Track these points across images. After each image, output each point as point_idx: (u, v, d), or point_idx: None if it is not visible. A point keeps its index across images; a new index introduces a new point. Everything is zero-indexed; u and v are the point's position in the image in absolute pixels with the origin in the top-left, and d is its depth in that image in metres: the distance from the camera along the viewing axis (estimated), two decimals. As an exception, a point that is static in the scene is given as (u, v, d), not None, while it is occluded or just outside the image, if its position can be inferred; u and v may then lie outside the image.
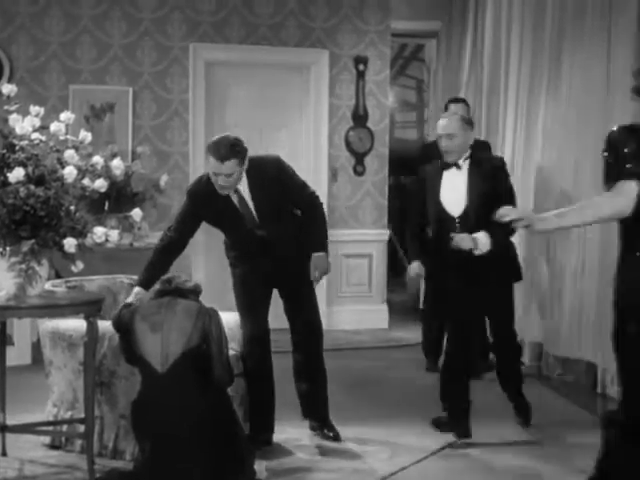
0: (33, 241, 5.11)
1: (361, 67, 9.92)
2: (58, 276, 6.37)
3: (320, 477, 5.42)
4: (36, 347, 7.13)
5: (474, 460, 5.74)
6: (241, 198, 5.71)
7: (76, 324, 5.57)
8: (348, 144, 9.93)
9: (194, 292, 5.18)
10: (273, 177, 5.73)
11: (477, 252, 5.74)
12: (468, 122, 6.15)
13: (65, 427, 5.74)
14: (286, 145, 9.64)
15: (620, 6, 7.06)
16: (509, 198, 5.85)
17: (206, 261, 9.37)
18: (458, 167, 6.04)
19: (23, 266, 5.10)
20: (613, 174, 4.09)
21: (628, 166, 4.04)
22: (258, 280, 5.84)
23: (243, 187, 5.71)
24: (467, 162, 6.05)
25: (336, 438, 6.02)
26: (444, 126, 6.08)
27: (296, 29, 9.71)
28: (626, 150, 4.06)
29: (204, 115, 9.49)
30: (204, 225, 5.91)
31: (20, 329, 7.88)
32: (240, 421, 5.30)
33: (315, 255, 5.76)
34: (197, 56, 9.48)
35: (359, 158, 9.98)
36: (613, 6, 7.16)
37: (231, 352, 5.84)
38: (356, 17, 9.86)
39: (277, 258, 5.80)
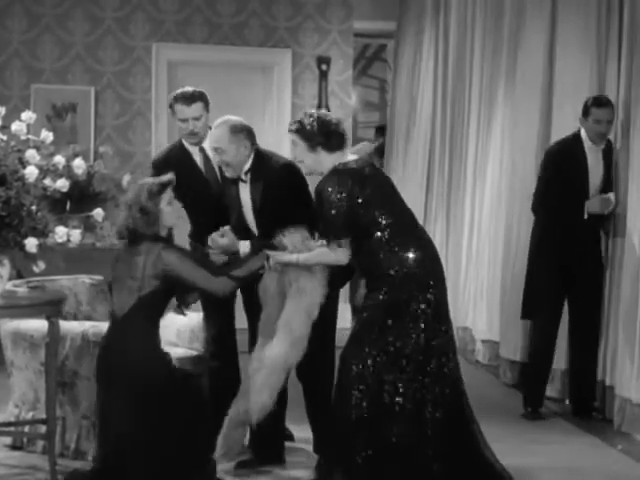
0: (-6, 241, 5.09)
1: (324, 67, 9.94)
2: (20, 276, 6.33)
3: (276, 475, 5.47)
4: (-3, 348, 7.09)
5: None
6: (206, 159, 5.70)
7: (37, 324, 5.56)
8: (311, 144, 9.93)
9: (152, 233, 5.00)
10: None
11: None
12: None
13: (27, 428, 5.72)
14: (249, 145, 9.63)
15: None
16: None
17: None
18: None
19: (-16, 266, 5.09)
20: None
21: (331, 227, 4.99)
22: None
23: (209, 150, 5.69)
24: None
25: (290, 438, 6.02)
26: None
27: (259, 29, 9.71)
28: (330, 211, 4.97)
29: (167, 115, 9.42)
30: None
31: (-19, 329, 7.83)
32: (209, 418, 5.23)
33: None
34: (160, 56, 9.47)
35: (322, 158, 9.98)
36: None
37: (194, 352, 5.86)
38: (319, 17, 9.88)
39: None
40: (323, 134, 5.06)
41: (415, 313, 4.90)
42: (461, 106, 9.21)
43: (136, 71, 9.41)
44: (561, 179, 6.70)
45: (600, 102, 6.64)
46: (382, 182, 5.16)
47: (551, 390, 7.03)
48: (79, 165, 5.94)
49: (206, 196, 5.72)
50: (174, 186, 5.10)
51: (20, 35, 9.12)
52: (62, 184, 5.41)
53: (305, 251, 5.15)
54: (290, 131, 5.18)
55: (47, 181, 5.35)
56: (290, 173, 5.54)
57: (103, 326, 5.59)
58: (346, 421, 4.93)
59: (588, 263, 6.71)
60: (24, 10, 9.12)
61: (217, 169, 5.72)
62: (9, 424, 5.75)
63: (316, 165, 5.12)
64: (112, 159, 9.06)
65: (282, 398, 5.61)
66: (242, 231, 5.54)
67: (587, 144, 6.70)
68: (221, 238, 5.43)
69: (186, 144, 5.85)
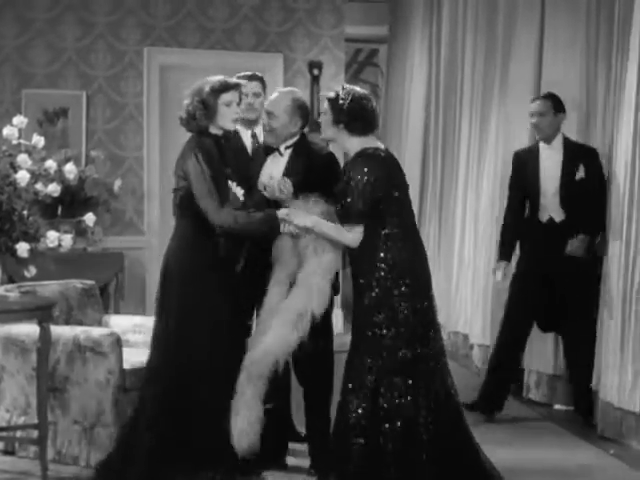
0: (-15, 246, 5.08)
1: (315, 71, 9.94)
2: (11, 281, 6.33)
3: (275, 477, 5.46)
4: (-11, 353, 7.07)
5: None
6: (257, 145, 5.74)
7: (29, 329, 5.55)
8: (303, 148, 9.93)
9: (204, 125, 5.11)
10: None
11: None
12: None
13: (18, 433, 5.71)
14: (241, 149, 9.63)
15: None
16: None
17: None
18: None
19: (-25, 271, 5.08)
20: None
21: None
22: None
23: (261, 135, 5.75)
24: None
25: (301, 438, 6.02)
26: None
27: (250, 34, 9.72)
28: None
29: (158, 119, 9.47)
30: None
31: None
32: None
33: None
34: (152, 60, 9.46)
35: (314, 162, 9.99)
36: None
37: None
38: (310, 22, 9.88)
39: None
40: (350, 114, 4.97)
41: (404, 318, 4.91)
42: (453, 110, 9.22)
43: (128, 75, 9.40)
44: (518, 184, 6.73)
45: (536, 97, 6.76)
46: (399, 178, 5.11)
47: (538, 395, 7.03)
48: (70, 170, 5.95)
49: (250, 180, 5.59)
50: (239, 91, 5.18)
51: (11, 40, 9.10)
52: (53, 189, 5.41)
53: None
54: (325, 97, 5.15)
55: (38, 186, 5.35)
56: (333, 161, 5.56)
57: (94, 331, 5.59)
58: (343, 426, 4.95)
59: (568, 268, 6.58)
60: (15, 15, 9.11)
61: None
62: (0, 429, 5.74)
63: (335, 138, 5.09)
64: (104, 164, 9.05)
65: (286, 402, 5.65)
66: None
67: (541, 144, 6.67)
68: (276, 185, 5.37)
69: (240, 127, 5.78)
